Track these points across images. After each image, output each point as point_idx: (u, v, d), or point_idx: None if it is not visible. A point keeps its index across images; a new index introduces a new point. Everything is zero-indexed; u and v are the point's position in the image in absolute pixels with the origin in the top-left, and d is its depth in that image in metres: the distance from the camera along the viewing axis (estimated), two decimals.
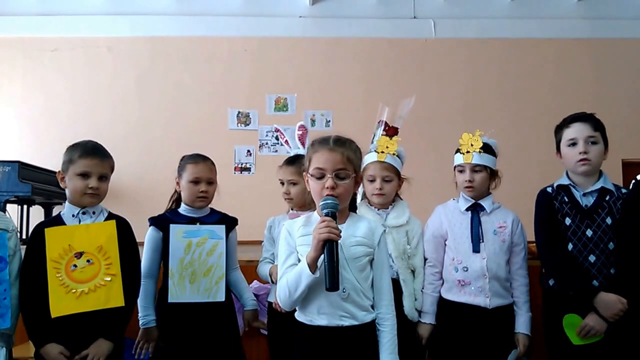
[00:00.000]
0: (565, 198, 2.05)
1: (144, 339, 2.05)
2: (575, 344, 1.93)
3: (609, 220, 1.99)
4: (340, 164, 1.54)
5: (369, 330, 1.55)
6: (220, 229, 2.12)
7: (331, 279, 1.41)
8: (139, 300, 2.02)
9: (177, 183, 2.18)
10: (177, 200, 2.22)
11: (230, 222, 2.20)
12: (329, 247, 1.43)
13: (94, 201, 1.90)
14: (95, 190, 1.87)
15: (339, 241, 1.46)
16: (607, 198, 2.03)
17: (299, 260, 1.54)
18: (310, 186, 1.60)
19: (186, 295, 2.02)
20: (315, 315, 1.53)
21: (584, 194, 2.04)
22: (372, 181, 2.14)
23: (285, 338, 1.89)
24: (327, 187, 1.52)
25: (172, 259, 2.05)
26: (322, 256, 1.45)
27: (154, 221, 2.14)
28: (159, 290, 2.12)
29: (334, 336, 1.51)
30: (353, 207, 1.72)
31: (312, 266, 1.46)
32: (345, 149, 1.57)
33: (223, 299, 2.07)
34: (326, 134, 1.63)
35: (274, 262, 2.11)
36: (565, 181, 2.08)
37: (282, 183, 2.23)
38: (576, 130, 2.03)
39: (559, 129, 2.10)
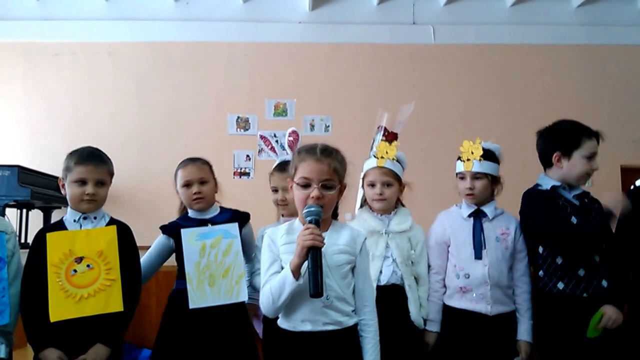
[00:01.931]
0: (563, 199, 2.08)
1: None
2: (589, 336, 1.92)
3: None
4: (326, 175, 1.56)
5: (351, 334, 1.57)
6: (233, 227, 2.07)
7: (315, 285, 1.42)
8: None
9: (177, 192, 2.16)
10: (184, 208, 2.20)
11: (242, 218, 2.16)
12: (312, 254, 1.44)
13: (91, 207, 1.90)
14: (92, 197, 1.88)
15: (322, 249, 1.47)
16: (585, 200, 2.09)
17: (282, 268, 1.55)
18: (294, 194, 1.61)
19: (207, 299, 1.95)
20: (298, 323, 1.54)
21: (574, 196, 2.09)
22: (373, 186, 2.14)
23: (278, 346, 1.90)
24: (313, 197, 1.54)
25: (187, 264, 1.98)
26: (306, 263, 1.46)
27: (164, 229, 2.11)
28: (169, 296, 2.10)
29: (317, 340, 1.52)
30: (335, 216, 1.73)
31: (296, 273, 1.47)
32: (332, 160, 1.59)
33: (246, 299, 2.02)
34: (312, 142, 1.65)
35: None
36: (557, 182, 2.10)
37: (275, 190, 2.19)
38: (595, 146, 2.07)
39: (577, 136, 2.07)
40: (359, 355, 1.56)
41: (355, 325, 1.58)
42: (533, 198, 2.11)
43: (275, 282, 1.52)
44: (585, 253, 1.99)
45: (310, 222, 1.50)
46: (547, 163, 2.15)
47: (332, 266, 1.55)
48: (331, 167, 1.57)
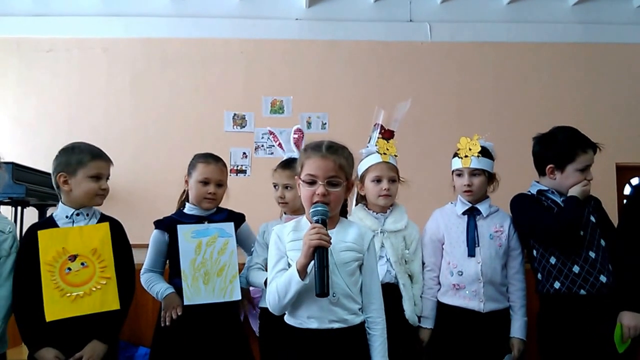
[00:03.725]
0: (550, 201, 2.09)
1: (169, 307, 2.00)
2: (620, 352, 1.92)
3: (593, 219, 2.05)
4: (332, 172, 1.55)
5: (358, 332, 1.56)
6: (229, 226, 2.08)
7: (321, 285, 1.42)
8: (146, 283, 2.05)
9: (186, 181, 2.15)
10: (186, 199, 2.19)
11: (237, 219, 2.18)
12: (319, 253, 1.44)
13: (101, 202, 1.95)
14: (104, 192, 1.93)
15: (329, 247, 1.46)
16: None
17: (289, 265, 1.55)
18: (300, 191, 1.61)
19: (201, 297, 1.97)
20: (304, 319, 1.54)
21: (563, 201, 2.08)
22: (378, 182, 2.11)
23: (276, 342, 1.89)
24: (319, 194, 1.53)
25: (183, 261, 1.99)
26: (312, 262, 1.45)
27: (159, 224, 2.10)
28: None
29: (324, 338, 1.51)
30: (343, 213, 1.72)
31: (302, 272, 1.47)
32: (338, 156, 1.58)
33: (239, 298, 2.03)
34: (319, 139, 1.64)
35: (264, 267, 2.09)
36: (543, 187, 2.12)
37: (276, 186, 2.19)
38: (590, 159, 2.06)
39: (572, 150, 2.05)
40: (365, 354, 1.55)
41: (362, 323, 1.58)
42: (518, 202, 2.15)
43: (281, 280, 1.51)
44: (571, 239, 1.98)
45: (316, 221, 1.49)
46: (540, 171, 2.15)
47: (340, 263, 1.54)
48: (337, 163, 1.56)
